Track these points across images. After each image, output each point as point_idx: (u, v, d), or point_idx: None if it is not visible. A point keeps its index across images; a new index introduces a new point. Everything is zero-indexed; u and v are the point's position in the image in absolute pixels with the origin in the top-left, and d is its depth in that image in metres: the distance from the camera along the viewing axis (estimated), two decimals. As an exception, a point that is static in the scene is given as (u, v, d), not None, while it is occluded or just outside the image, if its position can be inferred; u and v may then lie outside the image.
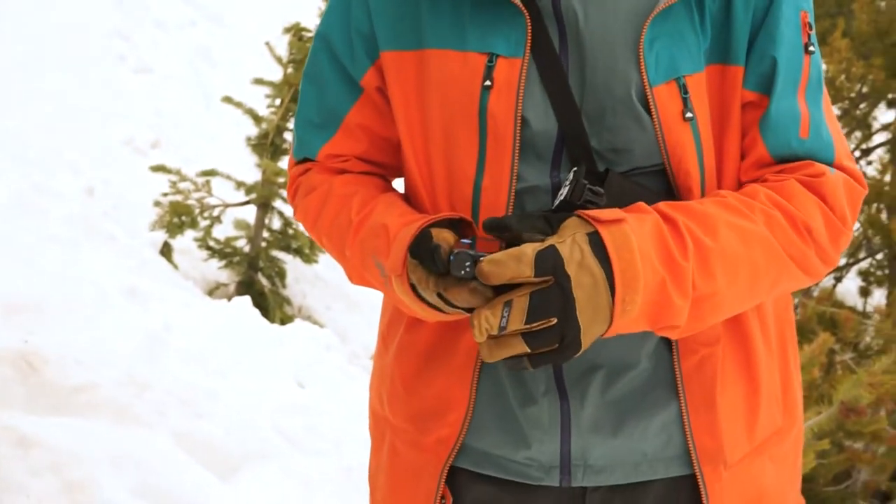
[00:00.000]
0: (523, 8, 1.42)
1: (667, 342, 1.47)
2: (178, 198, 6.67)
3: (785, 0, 1.44)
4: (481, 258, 1.30)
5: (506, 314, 1.27)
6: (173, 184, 6.71)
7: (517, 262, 1.28)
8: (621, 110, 1.42)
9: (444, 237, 1.36)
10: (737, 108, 1.45)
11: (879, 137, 6.38)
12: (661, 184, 1.44)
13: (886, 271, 5.99)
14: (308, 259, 7.03)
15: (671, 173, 1.43)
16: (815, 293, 5.51)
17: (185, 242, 6.90)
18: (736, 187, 1.47)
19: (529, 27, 1.42)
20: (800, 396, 1.58)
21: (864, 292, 6.05)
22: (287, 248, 7.02)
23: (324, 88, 1.57)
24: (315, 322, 6.57)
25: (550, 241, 1.31)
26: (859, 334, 5.24)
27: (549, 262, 1.29)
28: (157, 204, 6.66)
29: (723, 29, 1.44)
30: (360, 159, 1.59)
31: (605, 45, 1.41)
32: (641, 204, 1.38)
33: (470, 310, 1.35)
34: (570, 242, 1.31)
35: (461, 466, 1.54)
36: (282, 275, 7.00)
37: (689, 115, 1.41)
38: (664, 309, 1.34)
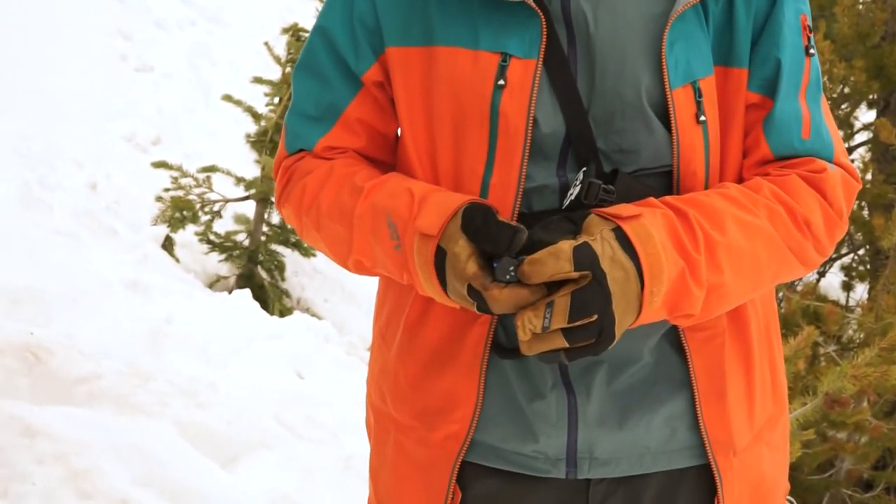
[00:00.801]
0: (539, 11, 1.40)
1: (669, 338, 1.47)
2: (180, 193, 6.66)
3: (786, 3, 1.45)
4: (522, 259, 1.30)
5: (548, 315, 1.28)
6: (174, 179, 6.70)
7: (556, 258, 1.28)
8: (630, 114, 1.41)
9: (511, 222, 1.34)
10: (740, 110, 1.45)
11: (861, 137, 6.37)
12: (664, 184, 1.44)
13: (868, 266, 5.98)
14: (307, 253, 7.03)
15: (678, 175, 1.42)
16: (800, 287, 5.49)
17: (187, 236, 6.89)
18: (736, 183, 1.47)
19: (545, 29, 1.40)
20: (785, 383, 1.59)
21: (847, 287, 6.04)
22: (286, 242, 7.01)
23: (322, 82, 1.53)
24: (313, 314, 6.57)
25: (582, 238, 1.31)
26: (842, 328, 5.23)
27: (587, 258, 1.29)
28: (158, 199, 6.65)
29: (724, 31, 1.43)
30: (357, 153, 1.55)
31: (615, 49, 1.40)
32: (651, 199, 1.38)
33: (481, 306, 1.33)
34: (601, 239, 1.31)
35: (469, 460, 1.52)
36: (281, 268, 6.99)
37: (702, 118, 1.41)
38: (683, 298, 1.35)
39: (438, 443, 1.51)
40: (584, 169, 1.38)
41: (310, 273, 7.41)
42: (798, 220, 1.42)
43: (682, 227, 1.35)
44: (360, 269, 1.51)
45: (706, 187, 1.44)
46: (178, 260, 6.64)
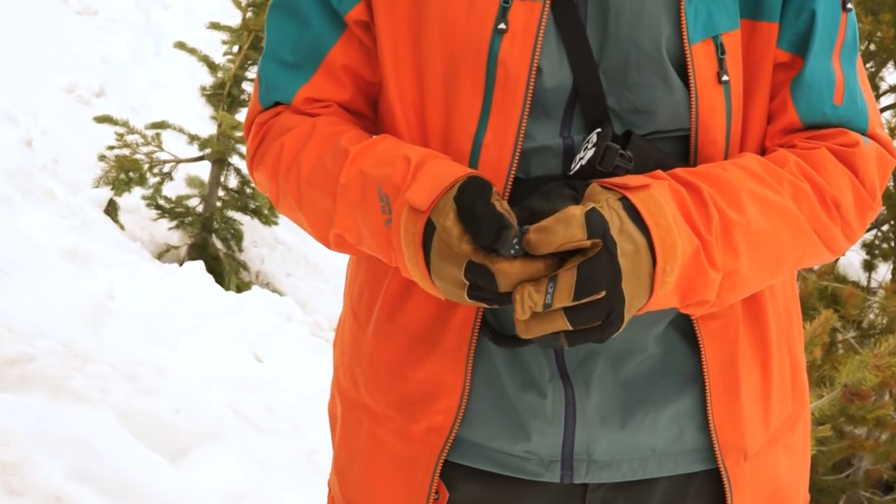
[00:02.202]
0: None
1: (678, 326, 1.46)
2: (125, 152, 6.64)
3: None
4: (526, 229, 1.27)
5: (551, 290, 1.25)
6: (119, 136, 6.67)
7: (566, 225, 1.25)
8: (647, 66, 1.39)
9: (503, 205, 1.30)
10: (767, 69, 1.44)
11: (887, 99, 6.37)
12: (680, 150, 1.43)
13: (892, 244, 5.99)
14: (267, 221, 7.02)
15: (695, 140, 1.41)
16: (816, 267, 5.51)
17: (133, 201, 6.87)
18: (759, 153, 1.46)
19: None
20: (806, 378, 1.59)
21: (869, 266, 6.05)
22: (244, 209, 7.00)
23: (301, 23, 1.50)
24: (274, 289, 6.56)
25: (588, 205, 1.29)
26: (863, 312, 5.26)
27: (599, 224, 1.26)
28: (101, 158, 6.62)
29: None
30: (343, 108, 1.53)
31: None
32: (657, 172, 1.36)
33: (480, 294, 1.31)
34: (608, 207, 1.28)
35: (450, 460, 1.51)
36: (238, 237, 6.99)
37: (724, 77, 1.40)
38: (698, 280, 1.33)
39: (419, 436, 1.50)
40: (599, 130, 1.36)
41: (270, 243, 7.41)
42: (826, 201, 1.42)
43: (694, 205, 1.33)
44: (342, 245, 1.49)
45: (726, 156, 1.43)
46: (122, 227, 6.61)
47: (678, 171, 1.36)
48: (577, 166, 1.36)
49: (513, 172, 1.40)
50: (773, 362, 1.50)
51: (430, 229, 1.33)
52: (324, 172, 1.45)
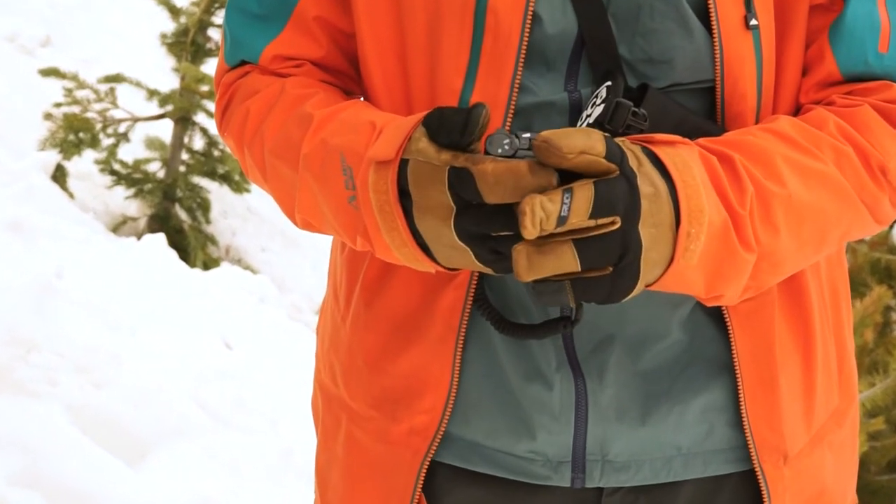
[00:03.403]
0: None
1: (706, 308, 1.46)
2: (75, 109, 6.67)
3: None
4: (518, 134, 1.24)
5: (567, 201, 1.21)
6: (68, 91, 6.69)
7: (587, 135, 1.23)
8: (662, 9, 1.39)
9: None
10: (803, 12, 1.44)
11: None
12: (704, 105, 1.43)
13: (954, 210, 6.01)
14: (238, 188, 7.05)
15: (722, 94, 1.41)
16: (867, 237, 5.53)
17: (84, 165, 6.89)
18: (793, 111, 1.47)
19: None
20: (855, 367, 1.60)
21: (928, 236, 6.07)
22: (212, 174, 7.03)
23: None
24: (246, 266, 6.60)
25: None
26: (922, 288, 5.27)
27: (616, 149, 1.24)
28: (47, 117, 6.65)
29: None
30: (318, 66, 1.54)
31: None
32: (686, 139, 1.35)
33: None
34: (627, 148, 1.27)
35: (441, 461, 1.51)
36: (205, 207, 7.02)
37: (753, 21, 1.39)
38: (727, 262, 1.31)
39: (401, 438, 1.51)
40: (608, 83, 1.36)
41: (242, 214, 7.44)
42: (871, 165, 1.41)
43: (727, 174, 1.33)
44: (309, 227, 1.49)
45: (758, 113, 1.43)
46: (72, 195, 6.64)
47: (703, 140, 1.36)
48: (584, 124, 1.36)
49: None
50: (817, 349, 1.50)
51: (404, 177, 1.31)
52: (287, 142, 1.45)
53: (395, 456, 1.51)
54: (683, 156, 1.30)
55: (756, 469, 1.48)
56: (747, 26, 1.39)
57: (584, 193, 1.21)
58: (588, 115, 1.36)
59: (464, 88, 1.41)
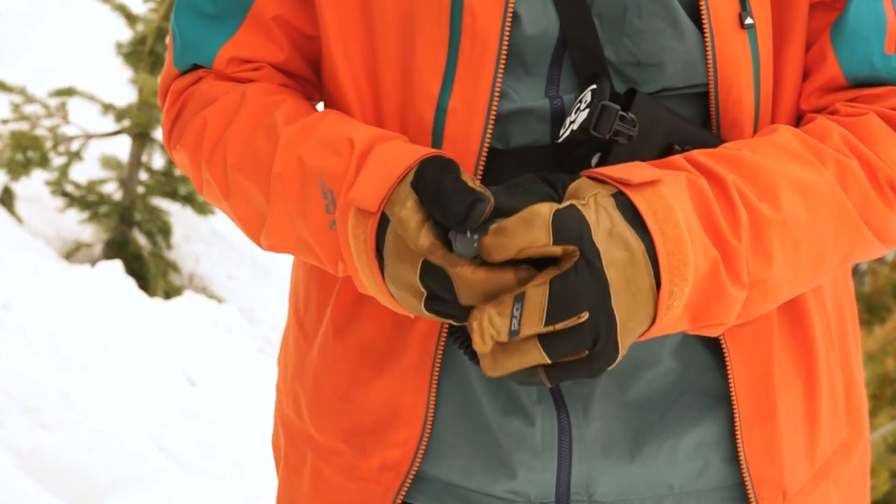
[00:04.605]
0: None
1: (699, 335, 1.45)
2: (23, 126, 6.64)
3: None
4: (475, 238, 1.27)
5: (517, 313, 1.24)
6: (15, 107, 6.69)
7: (527, 226, 1.24)
8: (650, 7, 1.40)
9: (482, 187, 1.30)
10: (803, 10, 1.45)
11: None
12: (698, 111, 1.44)
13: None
14: (202, 210, 7.05)
15: (716, 100, 1.42)
16: (890, 257, 5.54)
17: (33, 187, 6.89)
18: (794, 119, 1.47)
19: None
20: (864, 396, 1.60)
21: (954, 255, 6.08)
22: (173, 195, 7.02)
23: None
24: (211, 295, 6.59)
25: (567, 202, 1.28)
26: (948, 312, 5.28)
27: (574, 226, 1.25)
28: (-7, 134, 6.61)
29: None
30: (277, 69, 1.54)
31: None
32: (673, 158, 1.36)
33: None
34: (594, 205, 1.28)
35: (409, 502, 1.52)
36: (166, 231, 7.01)
37: (748, 20, 1.40)
38: (715, 302, 1.32)
39: (372, 475, 1.51)
40: (593, 87, 1.36)
41: (207, 238, 7.43)
42: (878, 180, 1.41)
43: (719, 201, 1.33)
44: (274, 248, 1.50)
45: (756, 121, 1.43)
46: (20, 220, 6.62)
47: (696, 154, 1.36)
48: (567, 132, 1.36)
49: (486, 142, 1.40)
50: (821, 376, 1.50)
51: (384, 231, 1.33)
52: (255, 157, 1.46)
53: (365, 493, 1.51)
54: (666, 198, 1.29)
55: None
56: (742, 25, 1.40)
57: (535, 300, 1.23)
58: (572, 122, 1.37)
59: (441, 94, 1.41)
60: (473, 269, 1.26)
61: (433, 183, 1.30)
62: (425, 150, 1.35)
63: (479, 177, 1.40)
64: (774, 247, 1.34)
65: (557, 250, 1.25)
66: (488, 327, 1.24)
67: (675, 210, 1.29)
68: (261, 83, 1.52)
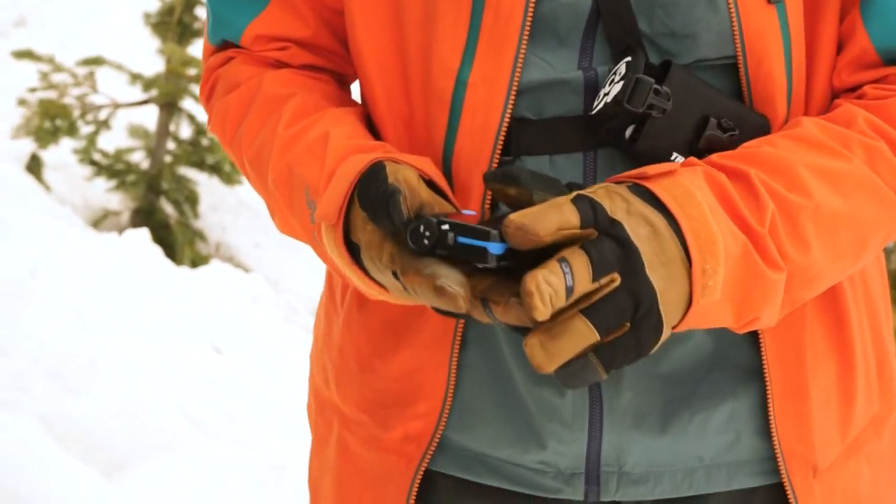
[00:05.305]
0: None
1: None
2: (51, 94, 6.66)
3: None
4: (443, 218, 1.25)
5: (567, 269, 1.22)
6: (44, 75, 6.70)
7: (558, 209, 1.24)
8: None
9: (405, 177, 1.30)
10: None
11: None
12: (729, 82, 1.43)
13: None
14: (229, 179, 7.06)
15: (746, 75, 1.42)
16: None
17: (61, 155, 6.90)
18: (828, 95, 1.47)
19: None
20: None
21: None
22: (200, 165, 7.04)
23: None
24: (238, 264, 6.60)
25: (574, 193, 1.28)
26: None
27: (588, 209, 1.24)
28: (21, 103, 6.66)
29: None
30: (304, 47, 1.55)
31: None
32: (691, 160, 1.36)
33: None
34: (605, 192, 1.28)
35: (441, 471, 1.52)
36: (193, 200, 7.02)
37: None
38: (754, 286, 1.31)
39: (394, 445, 1.52)
40: (627, 59, 1.36)
41: (233, 207, 7.44)
42: None
43: (740, 192, 1.32)
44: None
45: (789, 96, 1.43)
46: (48, 188, 6.64)
47: (714, 157, 1.36)
48: (601, 104, 1.36)
49: (507, 116, 1.40)
50: (856, 352, 1.50)
51: (352, 243, 1.35)
52: (259, 159, 1.49)
53: (388, 464, 1.53)
54: (684, 185, 1.29)
55: (784, 482, 1.49)
56: (769, 0, 1.39)
57: (579, 258, 1.22)
58: (606, 94, 1.37)
59: (461, 68, 1.41)
60: (423, 270, 1.24)
61: (367, 199, 1.30)
62: (364, 162, 1.34)
63: (500, 147, 1.40)
64: (809, 234, 1.34)
65: (582, 233, 1.23)
66: (546, 287, 1.21)
67: (695, 194, 1.28)
68: (279, 71, 1.54)
